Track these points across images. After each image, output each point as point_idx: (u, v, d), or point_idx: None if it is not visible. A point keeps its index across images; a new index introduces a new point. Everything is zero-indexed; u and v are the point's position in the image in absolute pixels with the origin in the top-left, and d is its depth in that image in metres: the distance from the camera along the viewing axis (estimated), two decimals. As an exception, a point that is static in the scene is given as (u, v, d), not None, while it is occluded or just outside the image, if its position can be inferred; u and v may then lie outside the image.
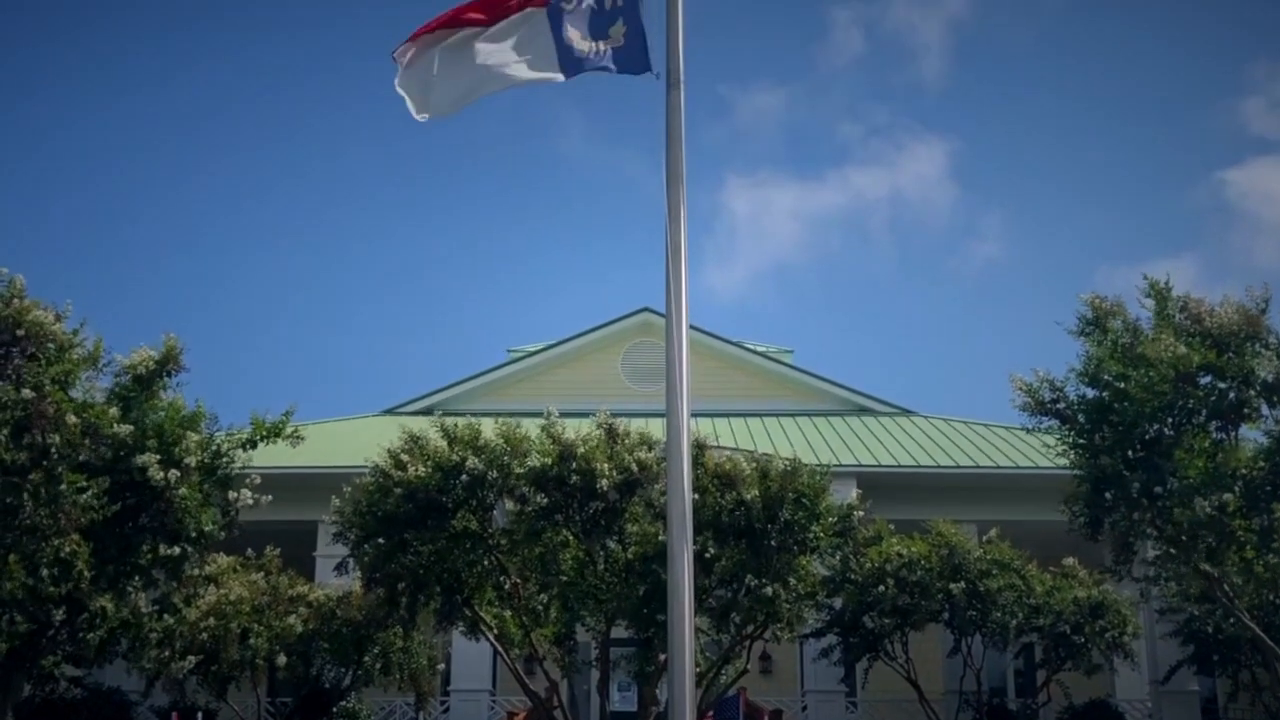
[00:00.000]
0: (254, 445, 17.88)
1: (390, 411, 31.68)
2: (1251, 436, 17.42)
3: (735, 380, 32.55)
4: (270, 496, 18.08)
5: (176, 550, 16.85)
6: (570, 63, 10.41)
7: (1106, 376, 16.95)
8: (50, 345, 16.39)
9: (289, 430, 17.96)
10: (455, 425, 17.70)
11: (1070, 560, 21.96)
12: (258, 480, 17.96)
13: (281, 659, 20.32)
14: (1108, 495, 17.14)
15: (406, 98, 10.39)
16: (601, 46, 10.30)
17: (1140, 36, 59.15)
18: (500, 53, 10.42)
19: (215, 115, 60.72)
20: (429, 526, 17.17)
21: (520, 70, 10.29)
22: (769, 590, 17.25)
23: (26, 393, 15.79)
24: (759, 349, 34.52)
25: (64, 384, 16.52)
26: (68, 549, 15.74)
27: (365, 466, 17.95)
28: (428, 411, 29.16)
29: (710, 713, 18.30)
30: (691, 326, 9.88)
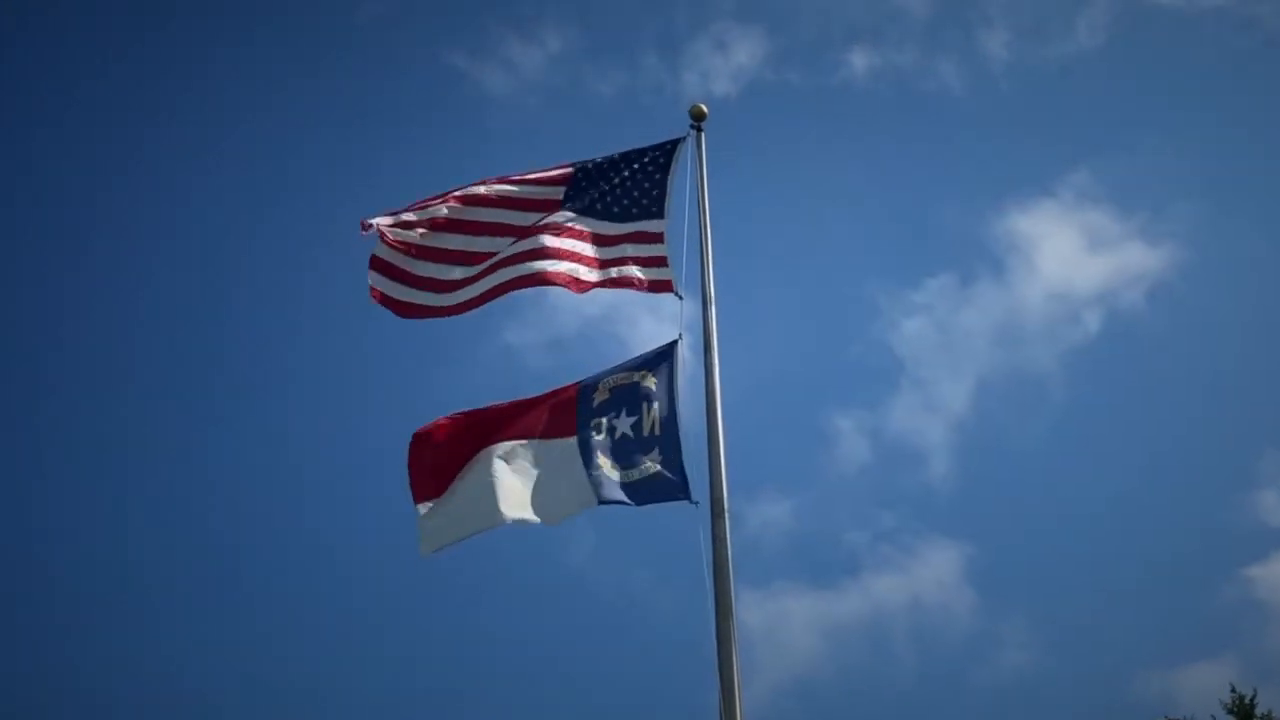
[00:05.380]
0: None
1: None
2: None
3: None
4: None
5: None
6: (604, 490, 10.13)
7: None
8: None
9: None
10: None
11: None
12: None
13: None
14: None
15: (422, 535, 10.20)
16: (634, 474, 10.04)
17: (1146, 433, 59.70)
18: (524, 487, 10.18)
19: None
20: None
21: (549, 509, 10.08)
22: None
23: None
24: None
25: None
26: None
27: None
28: None
29: None
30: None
